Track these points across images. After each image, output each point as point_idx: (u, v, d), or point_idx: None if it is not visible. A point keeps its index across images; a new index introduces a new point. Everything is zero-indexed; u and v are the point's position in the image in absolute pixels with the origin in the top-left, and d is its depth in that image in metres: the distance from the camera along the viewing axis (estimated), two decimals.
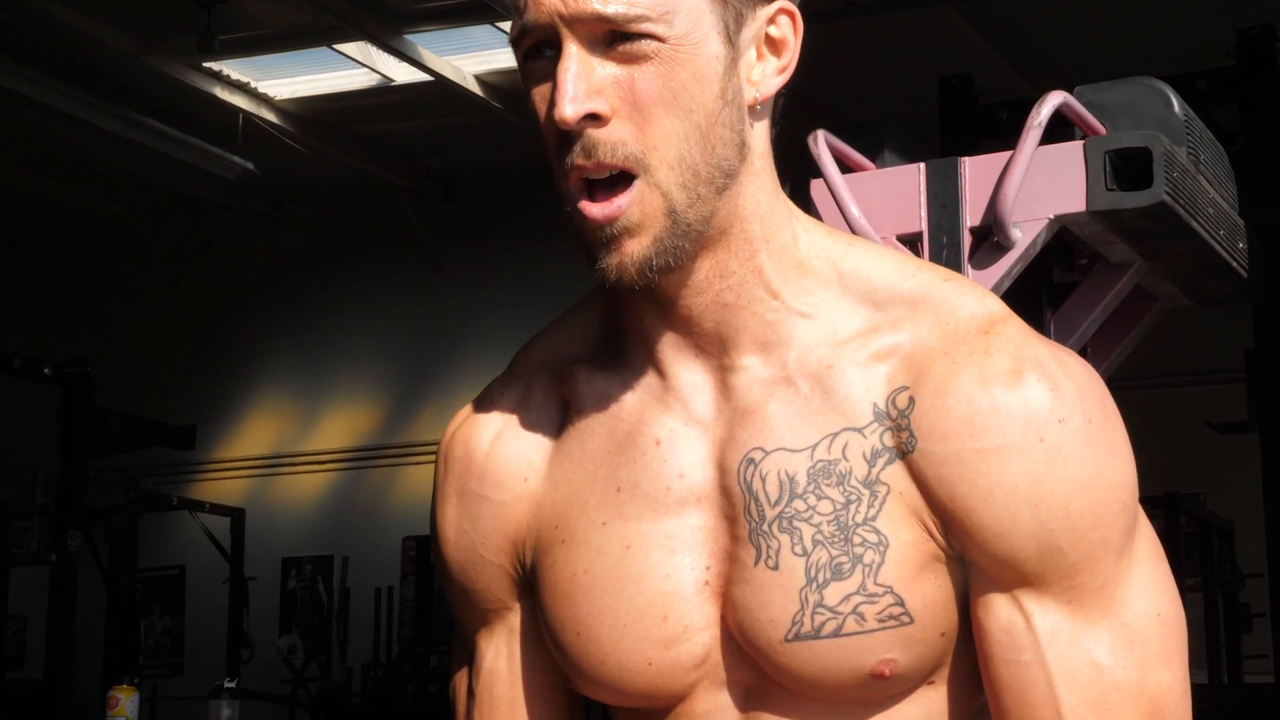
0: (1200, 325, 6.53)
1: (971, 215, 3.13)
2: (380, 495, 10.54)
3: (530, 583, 1.44)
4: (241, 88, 9.28)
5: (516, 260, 10.09)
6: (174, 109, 9.20)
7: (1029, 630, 1.30)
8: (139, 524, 9.08)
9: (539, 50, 1.30)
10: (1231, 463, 7.05)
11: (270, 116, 9.48)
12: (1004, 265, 3.10)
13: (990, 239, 3.11)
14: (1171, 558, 1.37)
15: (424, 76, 8.81)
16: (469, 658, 1.50)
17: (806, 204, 3.22)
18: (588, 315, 1.45)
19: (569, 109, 1.26)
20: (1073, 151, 3.08)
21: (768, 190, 1.36)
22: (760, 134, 1.36)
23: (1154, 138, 3.05)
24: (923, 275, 1.37)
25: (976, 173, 3.14)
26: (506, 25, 9.46)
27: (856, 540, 1.31)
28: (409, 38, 8.46)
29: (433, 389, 10.23)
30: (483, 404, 1.47)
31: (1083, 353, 3.47)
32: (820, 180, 3.18)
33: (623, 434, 1.39)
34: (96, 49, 8.64)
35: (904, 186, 3.19)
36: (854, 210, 3.14)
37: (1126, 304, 3.42)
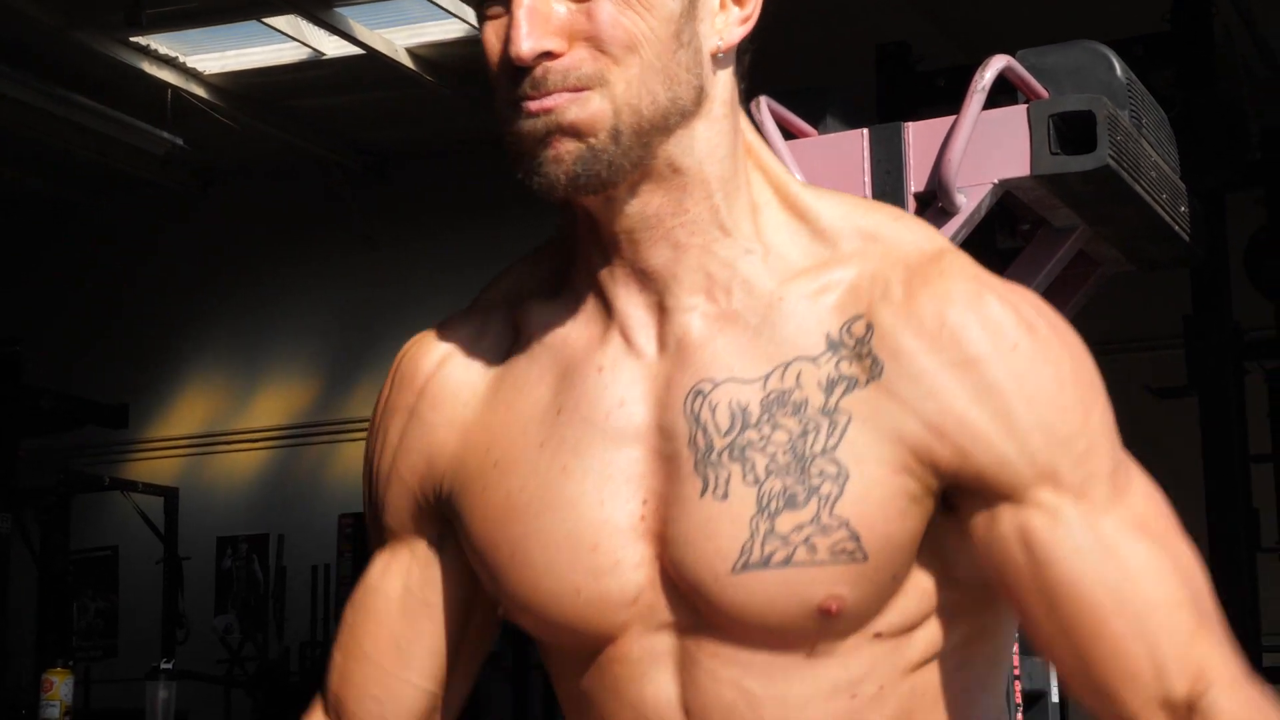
0: (1138, 290, 6.57)
1: (916, 181, 3.12)
2: (315, 472, 10.47)
3: (442, 514, 1.44)
4: (170, 62, 9.18)
5: (449, 235, 10.03)
6: (102, 84, 9.08)
7: (1056, 524, 1.28)
8: (71, 505, 9.01)
9: None
10: (1167, 428, 7.11)
11: (199, 91, 9.37)
12: (949, 231, 3.09)
13: (935, 204, 3.10)
14: None
15: (355, 50, 8.73)
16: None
17: None
18: (551, 254, 1.45)
19: (525, 44, 1.27)
20: (1016, 115, 3.08)
21: (729, 136, 1.36)
22: (723, 82, 1.36)
23: (1097, 101, 3.04)
24: (873, 214, 1.38)
25: (920, 138, 3.13)
26: None
27: (814, 471, 1.29)
28: (339, 10, 8.37)
29: (367, 365, 10.17)
30: (440, 329, 1.48)
31: None
32: None
33: (566, 362, 1.38)
34: (22, 23, 8.51)
35: (848, 152, 3.18)
36: (798, 176, 3.12)
37: (1069, 269, 3.42)
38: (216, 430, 10.86)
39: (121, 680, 9.20)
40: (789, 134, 3.23)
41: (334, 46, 8.88)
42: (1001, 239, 3.44)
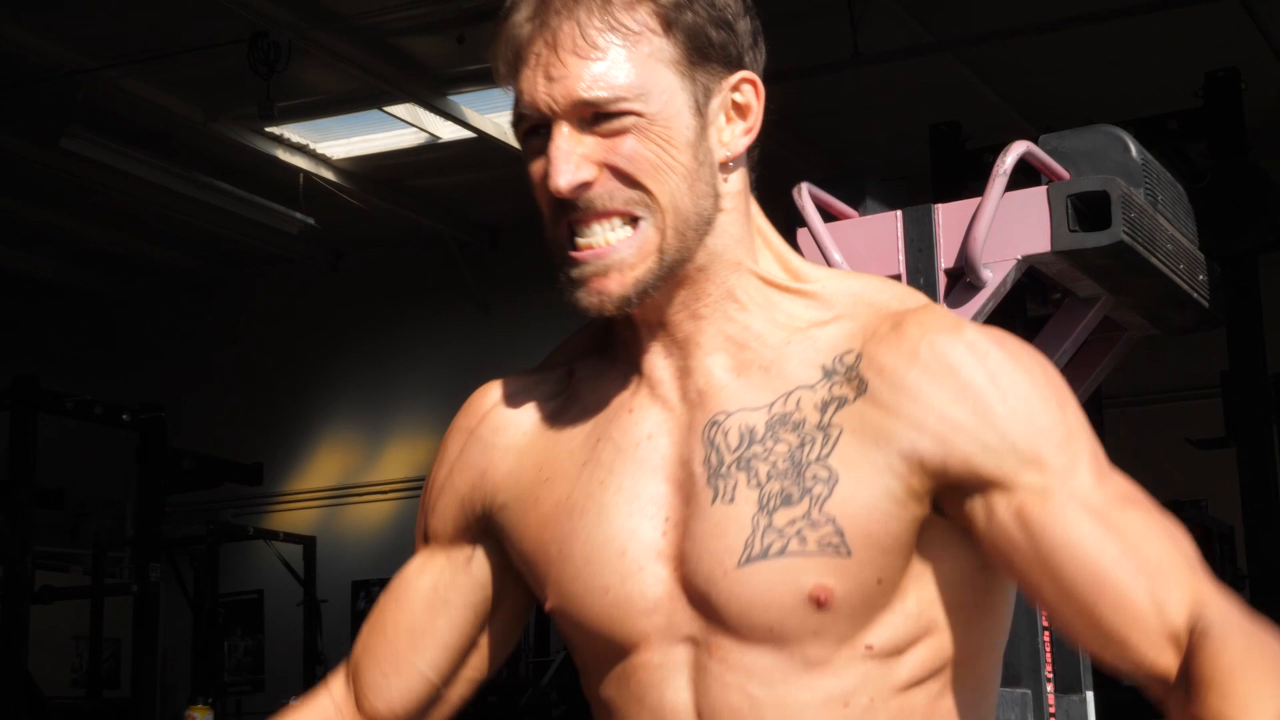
0: (1178, 346, 6.51)
1: (946, 258, 3.14)
2: None
3: (484, 527, 1.53)
4: (301, 149, 9.37)
5: (556, 298, 9.96)
6: (240, 171, 9.30)
7: (1046, 500, 1.33)
8: (219, 552, 9.17)
9: (535, 131, 1.40)
10: (1232, 471, 7.02)
11: (328, 175, 9.56)
12: (977, 303, 3.10)
13: (963, 279, 3.11)
14: None
15: (468, 134, 8.88)
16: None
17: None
18: (598, 321, 1.54)
19: (563, 180, 1.36)
20: (1037, 196, 3.09)
21: (740, 224, 1.44)
22: (734, 182, 1.44)
23: (1111, 181, 3.05)
24: (861, 281, 1.47)
25: (949, 218, 3.15)
26: None
27: (809, 475, 1.36)
28: (452, 98, 8.54)
29: None
30: (507, 378, 1.58)
31: None
32: (805, 229, 3.20)
33: (605, 405, 1.48)
34: (167, 118, 8.75)
35: (883, 232, 3.20)
36: (836, 256, 3.16)
37: (1097, 334, 3.41)
38: (349, 483, 10.99)
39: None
40: (832, 216, 3.26)
41: (449, 131, 9.03)
42: (1032, 307, 3.45)
